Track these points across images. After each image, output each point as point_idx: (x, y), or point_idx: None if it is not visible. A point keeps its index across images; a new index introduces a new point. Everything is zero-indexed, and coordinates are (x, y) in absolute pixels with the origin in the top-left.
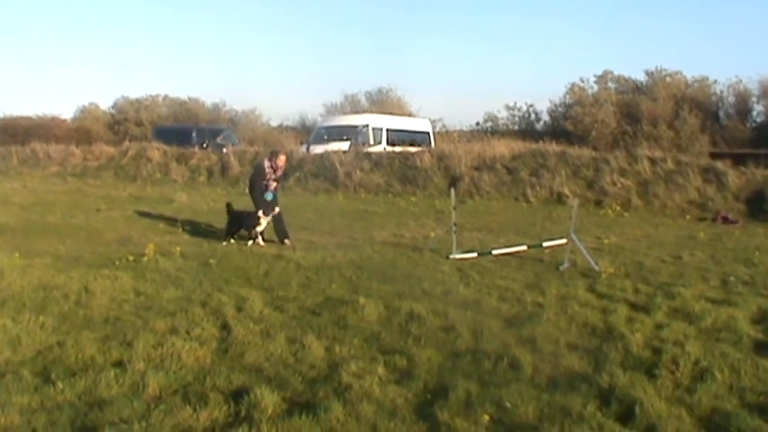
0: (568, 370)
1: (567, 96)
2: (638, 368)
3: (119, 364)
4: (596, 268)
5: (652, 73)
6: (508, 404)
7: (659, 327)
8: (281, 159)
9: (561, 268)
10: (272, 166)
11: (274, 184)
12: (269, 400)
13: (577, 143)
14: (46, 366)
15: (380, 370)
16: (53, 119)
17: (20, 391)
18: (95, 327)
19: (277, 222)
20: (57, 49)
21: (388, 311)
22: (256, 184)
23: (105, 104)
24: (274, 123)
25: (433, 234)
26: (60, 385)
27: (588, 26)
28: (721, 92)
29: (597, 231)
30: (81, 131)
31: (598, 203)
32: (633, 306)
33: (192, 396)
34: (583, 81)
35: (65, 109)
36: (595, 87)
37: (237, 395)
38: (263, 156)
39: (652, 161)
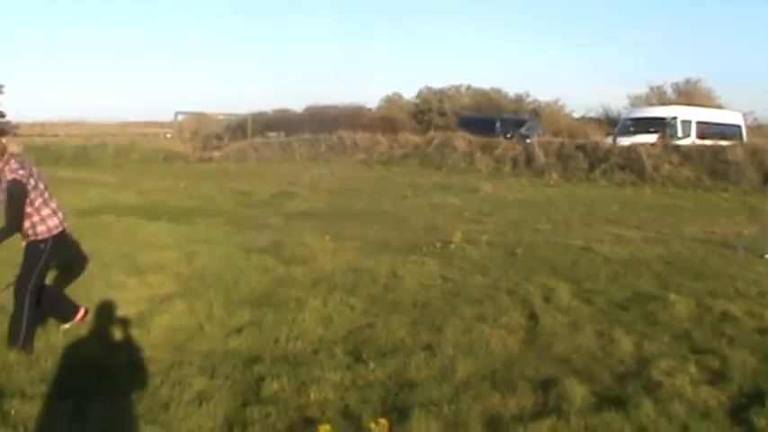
0: None
1: None
2: None
3: (428, 347)
4: None
5: None
6: None
7: None
8: None
9: None
10: None
11: None
12: (577, 392)
13: None
14: (357, 346)
15: (692, 369)
16: (359, 108)
17: (333, 368)
18: (404, 310)
19: None
20: (360, 41)
21: (699, 309)
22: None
23: (409, 94)
24: (577, 115)
25: (746, 232)
26: (371, 365)
27: None
28: None
29: None
30: (386, 120)
31: None
32: None
33: (500, 383)
34: None
35: (369, 99)
36: None
37: (545, 385)
38: None
39: None
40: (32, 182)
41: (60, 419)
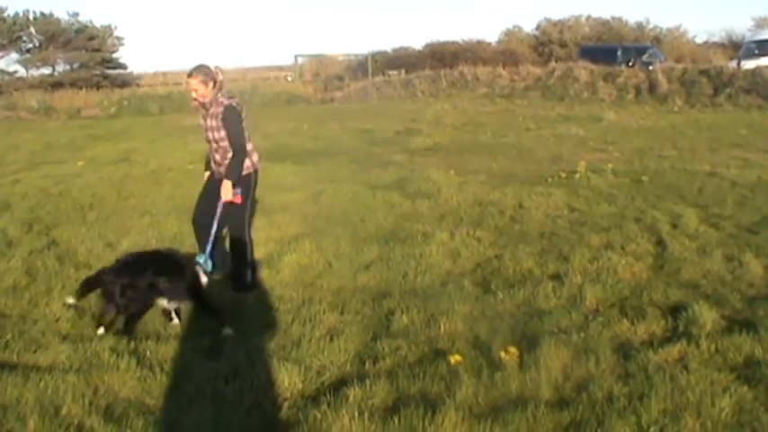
0: None
1: None
2: None
3: (556, 276)
4: None
5: None
6: None
7: None
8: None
9: None
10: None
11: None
12: (707, 316)
13: None
14: (485, 277)
15: None
16: (478, 42)
17: (461, 300)
18: (531, 241)
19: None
20: None
21: None
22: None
23: (528, 27)
24: (699, 40)
25: None
26: (500, 295)
27: None
28: None
29: None
30: (506, 54)
31: None
32: None
33: (629, 310)
34: None
35: (489, 33)
36: None
37: (675, 310)
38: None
39: None
40: (243, 113)
41: (194, 358)
